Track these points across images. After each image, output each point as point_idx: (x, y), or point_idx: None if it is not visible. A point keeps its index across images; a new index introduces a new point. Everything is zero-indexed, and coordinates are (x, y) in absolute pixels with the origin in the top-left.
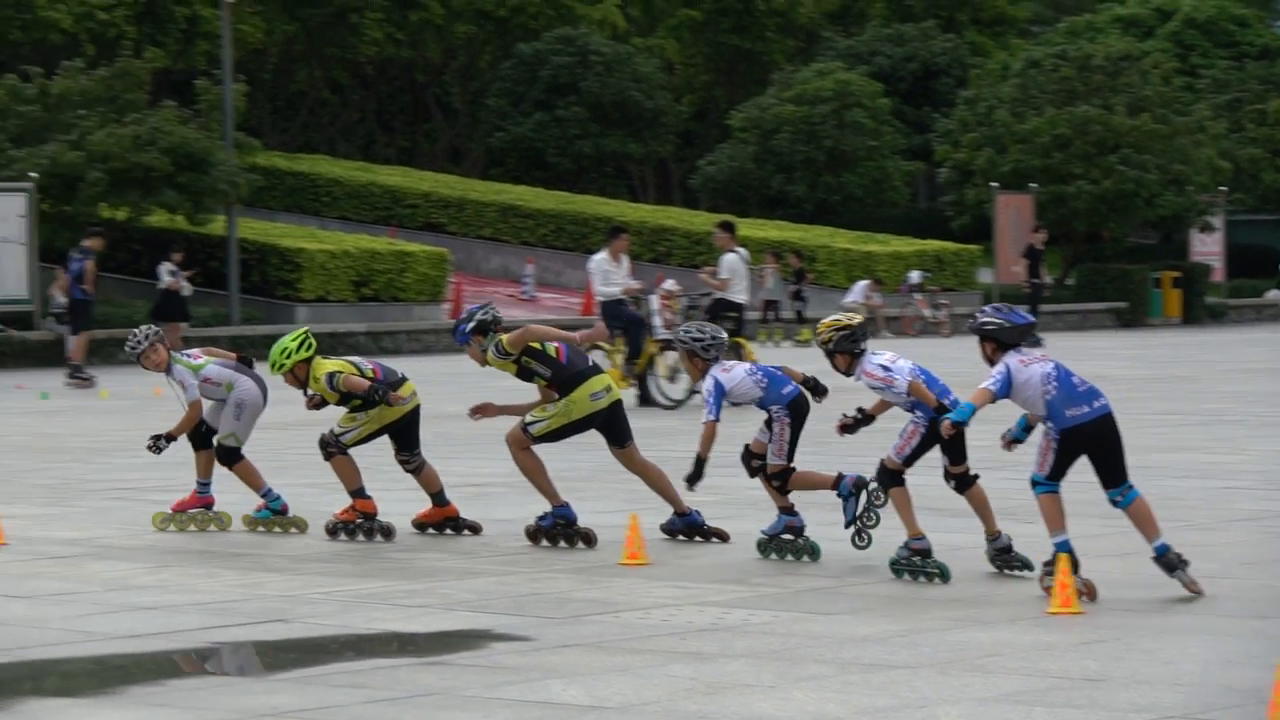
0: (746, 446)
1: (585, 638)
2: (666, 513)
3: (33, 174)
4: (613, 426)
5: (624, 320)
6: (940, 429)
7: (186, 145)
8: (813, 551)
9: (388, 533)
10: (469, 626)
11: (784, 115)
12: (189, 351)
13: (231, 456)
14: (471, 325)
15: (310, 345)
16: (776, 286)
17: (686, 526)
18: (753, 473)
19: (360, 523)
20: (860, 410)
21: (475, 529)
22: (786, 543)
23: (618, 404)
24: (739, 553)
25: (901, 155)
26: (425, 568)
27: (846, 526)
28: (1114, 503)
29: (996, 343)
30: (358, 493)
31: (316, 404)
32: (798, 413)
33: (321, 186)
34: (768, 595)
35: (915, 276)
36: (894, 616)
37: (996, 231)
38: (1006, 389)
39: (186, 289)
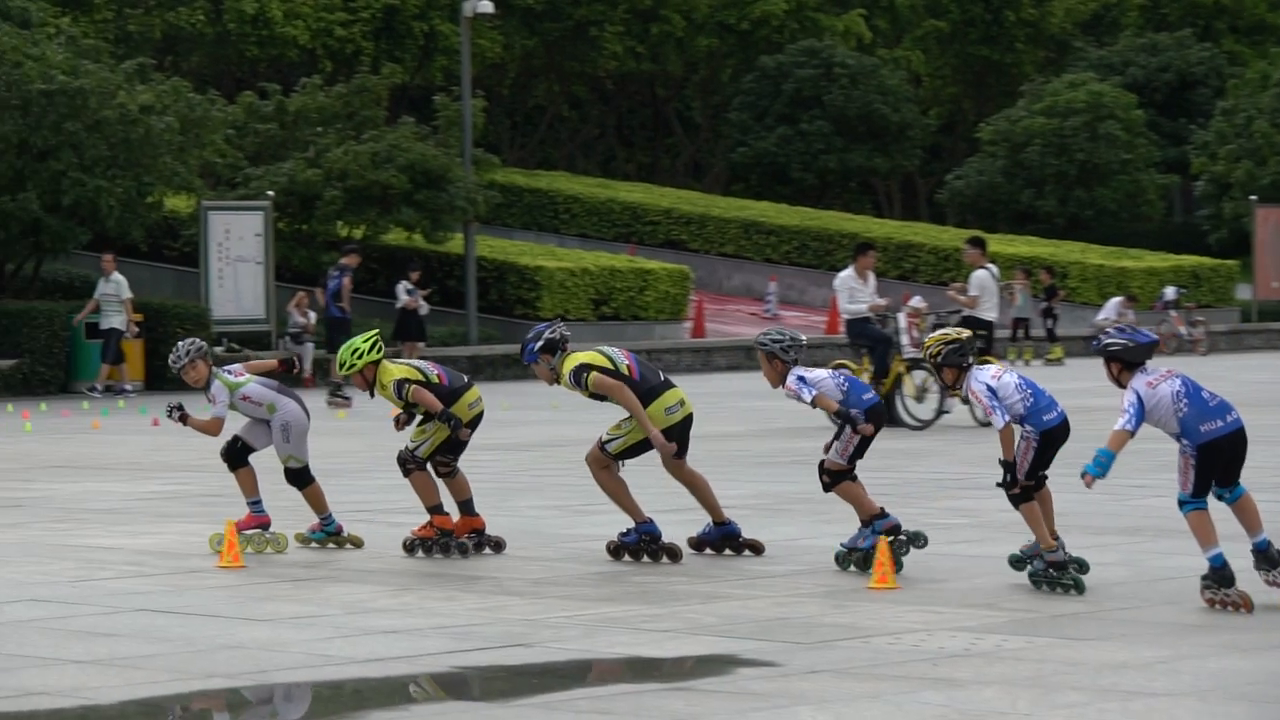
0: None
1: (834, 663)
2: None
3: (270, 192)
4: (679, 440)
5: (870, 338)
6: (1083, 482)
7: (424, 162)
8: (897, 565)
9: (465, 550)
10: (714, 651)
11: (1034, 128)
12: (231, 368)
13: (301, 478)
14: (540, 344)
15: (380, 348)
16: (1026, 304)
17: (721, 538)
18: (828, 488)
19: (439, 539)
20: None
21: (499, 545)
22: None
23: (689, 418)
24: (991, 577)
25: (1156, 168)
26: (668, 591)
27: (847, 545)
28: (1220, 498)
29: (1122, 363)
30: (436, 509)
31: (405, 423)
32: (872, 422)
33: (560, 203)
34: (1021, 620)
35: (1170, 293)
36: (1152, 642)
37: (1255, 246)
38: (1141, 419)
39: (424, 308)
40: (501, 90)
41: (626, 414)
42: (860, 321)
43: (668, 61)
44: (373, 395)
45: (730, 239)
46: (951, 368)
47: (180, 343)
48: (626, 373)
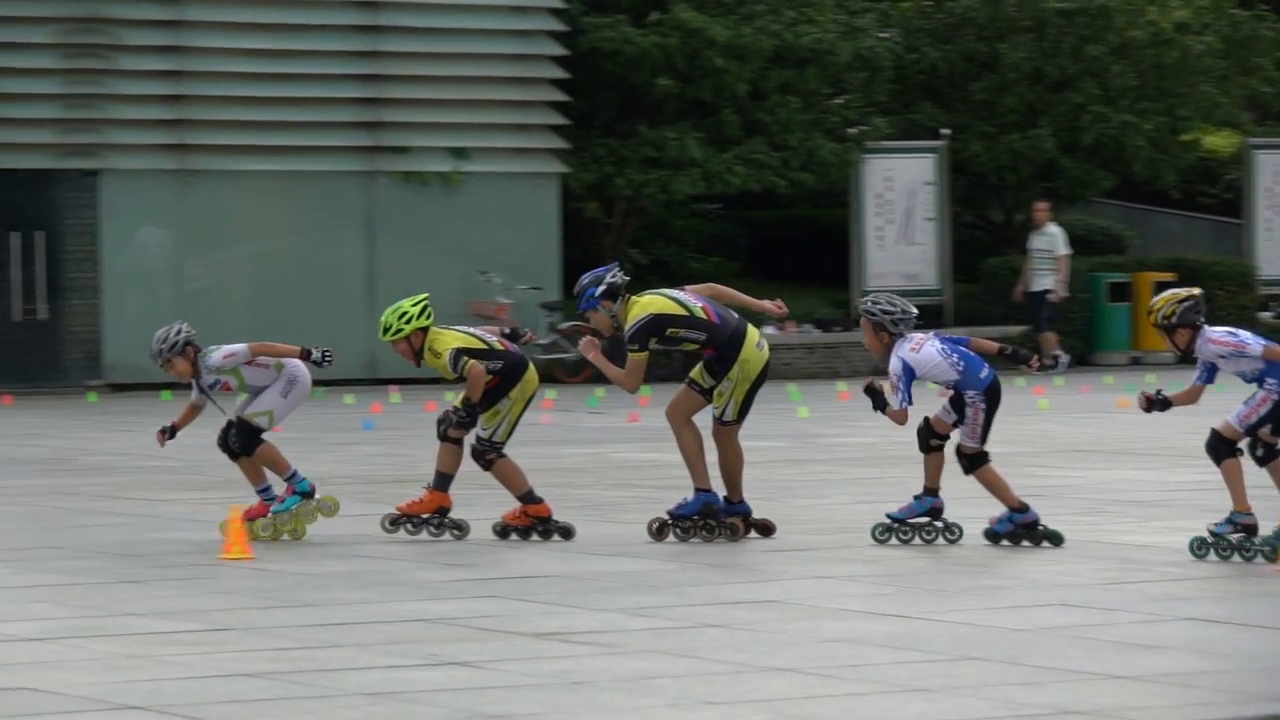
0: (926, 420)
1: None
2: None
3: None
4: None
5: None
6: None
7: None
8: (1053, 537)
9: (567, 533)
10: None
11: None
12: (213, 349)
13: (251, 442)
14: (601, 289)
15: (430, 313)
16: None
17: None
18: (928, 450)
19: (535, 526)
20: (1160, 392)
21: (462, 528)
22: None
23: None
24: None
25: None
26: None
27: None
28: None
29: None
30: (527, 496)
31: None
32: (993, 397)
33: None
34: None
35: None
36: None
37: None
38: None
39: None
40: None
41: (717, 374)
42: None
43: None
44: (419, 364)
45: None
46: (1187, 327)
47: (159, 333)
48: (703, 315)
